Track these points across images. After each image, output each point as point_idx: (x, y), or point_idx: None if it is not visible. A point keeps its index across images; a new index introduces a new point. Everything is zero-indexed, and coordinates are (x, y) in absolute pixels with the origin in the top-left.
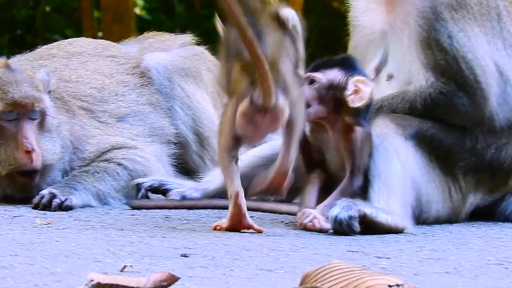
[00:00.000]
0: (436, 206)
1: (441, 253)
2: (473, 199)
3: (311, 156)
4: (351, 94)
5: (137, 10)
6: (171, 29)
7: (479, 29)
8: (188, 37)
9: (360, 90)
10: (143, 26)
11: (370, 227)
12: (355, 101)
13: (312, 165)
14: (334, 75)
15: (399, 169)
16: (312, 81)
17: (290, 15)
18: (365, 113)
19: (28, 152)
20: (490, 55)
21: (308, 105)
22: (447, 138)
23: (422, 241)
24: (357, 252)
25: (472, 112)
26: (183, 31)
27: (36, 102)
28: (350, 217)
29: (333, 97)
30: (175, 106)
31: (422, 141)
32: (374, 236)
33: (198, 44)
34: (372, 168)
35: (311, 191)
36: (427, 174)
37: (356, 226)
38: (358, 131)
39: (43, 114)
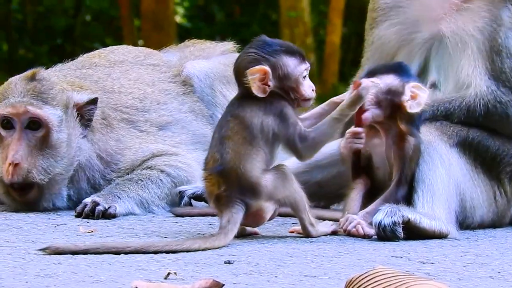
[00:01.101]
0: (480, 211)
1: (485, 257)
2: None
3: (360, 161)
4: (408, 100)
5: (177, 18)
6: (210, 37)
7: None
8: (229, 45)
9: (417, 96)
10: (183, 34)
11: (413, 232)
12: (412, 107)
13: (359, 171)
14: (391, 80)
15: (443, 175)
16: None
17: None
18: (418, 122)
19: (10, 165)
20: None
21: (365, 110)
22: (494, 144)
23: (465, 246)
24: (401, 257)
25: None
26: (222, 38)
27: (32, 112)
28: (394, 223)
29: (390, 102)
30: (217, 113)
31: (467, 148)
32: (417, 241)
33: (239, 52)
34: (416, 173)
35: (355, 197)
36: (472, 180)
37: (400, 231)
38: (411, 140)
39: (47, 128)
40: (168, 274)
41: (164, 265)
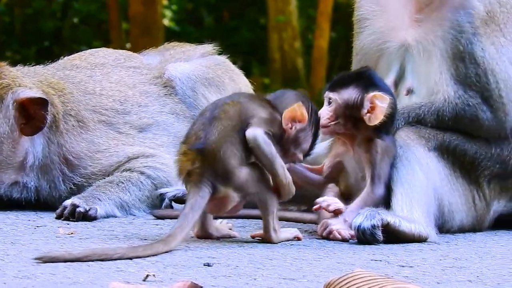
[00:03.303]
0: (459, 215)
1: (464, 261)
2: (497, 206)
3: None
4: (367, 113)
5: (165, 22)
6: (199, 40)
7: (504, 39)
8: (208, 47)
9: (376, 107)
10: (171, 38)
11: (393, 236)
12: (371, 120)
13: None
14: (349, 94)
15: (422, 178)
16: (330, 101)
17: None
18: (388, 126)
19: None
20: None
21: (325, 126)
22: (471, 148)
23: (445, 250)
24: (381, 261)
25: (495, 127)
26: (211, 42)
27: None
28: (373, 226)
29: (350, 116)
30: None
31: (446, 152)
32: (397, 245)
33: (220, 54)
34: (394, 177)
35: None
36: (450, 184)
37: (379, 235)
38: (378, 142)
39: None
40: (147, 276)
41: (142, 267)
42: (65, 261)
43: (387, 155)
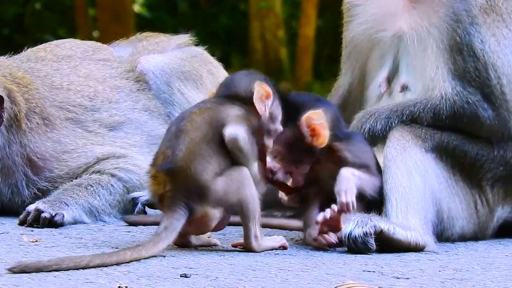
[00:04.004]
0: (460, 222)
1: (465, 273)
2: (501, 213)
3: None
4: (312, 137)
5: (136, 8)
6: (174, 29)
7: (507, 30)
8: (184, 37)
9: (316, 127)
10: (142, 25)
11: (387, 244)
12: (320, 141)
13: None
14: (285, 134)
15: (418, 183)
16: (270, 153)
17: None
18: (337, 129)
19: None
20: None
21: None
22: (472, 149)
23: (444, 260)
24: (374, 272)
25: (498, 126)
26: (187, 31)
27: None
28: (365, 234)
29: (300, 151)
30: (174, 112)
31: (444, 153)
32: (392, 254)
33: (197, 45)
34: (389, 181)
35: (312, 212)
36: (450, 187)
37: (372, 243)
38: (337, 146)
39: None
40: None
41: (114, 278)
42: (37, 270)
43: (357, 148)
